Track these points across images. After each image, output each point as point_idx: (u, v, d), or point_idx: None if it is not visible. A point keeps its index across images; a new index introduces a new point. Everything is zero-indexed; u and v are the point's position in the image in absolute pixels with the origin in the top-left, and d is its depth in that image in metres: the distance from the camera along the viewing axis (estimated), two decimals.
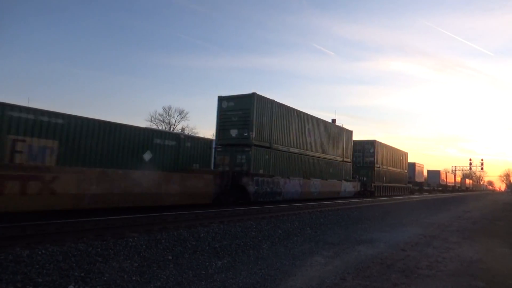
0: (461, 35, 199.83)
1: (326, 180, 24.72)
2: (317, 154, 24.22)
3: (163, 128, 67.92)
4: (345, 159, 28.11)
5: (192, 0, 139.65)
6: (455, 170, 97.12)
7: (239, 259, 6.80)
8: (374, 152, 33.50)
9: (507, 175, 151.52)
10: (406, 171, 43.83)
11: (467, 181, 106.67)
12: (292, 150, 21.47)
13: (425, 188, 59.75)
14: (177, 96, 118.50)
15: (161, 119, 72.73)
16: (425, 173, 67.53)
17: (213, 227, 9.47)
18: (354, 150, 32.33)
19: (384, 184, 35.41)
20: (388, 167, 36.92)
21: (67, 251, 5.98)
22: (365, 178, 32.80)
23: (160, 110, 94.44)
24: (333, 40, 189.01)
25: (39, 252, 5.75)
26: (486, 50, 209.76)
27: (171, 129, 70.24)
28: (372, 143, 33.94)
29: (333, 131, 26.62)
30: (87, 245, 6.44)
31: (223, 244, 7.77)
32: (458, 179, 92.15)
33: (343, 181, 27.12)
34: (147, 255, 6.40)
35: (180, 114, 74.27)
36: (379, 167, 34.30)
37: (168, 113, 72.78)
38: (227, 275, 5.71)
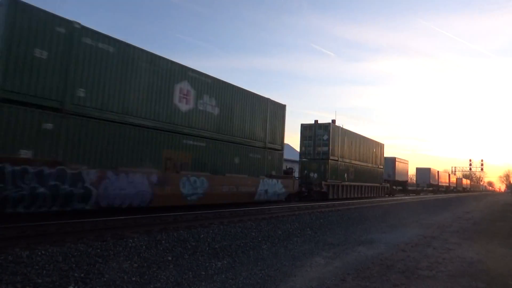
0: (460, 35, 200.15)
1: (224, 175, 15.32)
2: (203, 133, 14.51)
3: None
4: (270, 146, 18.51)
5: (192, 1, 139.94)
6: (455, 171, 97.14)
7: (239, 260, 6.80)
8: (328, 139, 24.45)
9: (507, 176, 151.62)
10: (382, 167, 34.39)
11: (464, 181, 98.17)
12: (137, 121, 11.95)
13: (410, 188, 50.86)
14: None
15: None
16: (413, 171, 61.85)
17: (213, 227, 9.47)
18: (303, 137, 25.36)
19: (346, 183, 26.46)
20: (353, 161, 27.85)
21: (67, 252, 5.97)
22: (315, 175, 24.17)
23: None
24: (333, 41, 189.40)
25: (39, 253, 5.75)
26: (486, 51, 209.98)
27: None
28: (326, 128, 24.72)
29: (243, 101, 16.94)
30: (87, 246, 6.44)
31: (223, 245, 7.77)
32: (454, 178, 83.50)
33: (263, 178, 17.54)
34: (147, 256, 6.40)
35: None
36: (336, 160, 25.25)
37: None
38: (227, 275, 5.71)
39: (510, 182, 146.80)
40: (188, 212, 12.50)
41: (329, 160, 24.45)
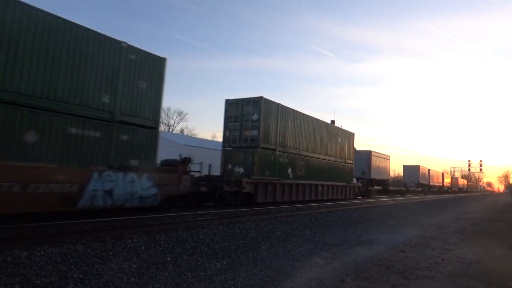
0: (459, 36, 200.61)
1: None
2: None
3: (162, 129, 68.27)
4: (128, 119, 11.52)
5: (190, 1, 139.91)
6: (453, 171, 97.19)
7: (238, 261, 6.79)
8: (259, 120, 17.40)
9: (506, 176, 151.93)
10: (351, 162, 27.18)
11: (461, 181, 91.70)
12: None
13: (393, 188, 42.65)
14: (176, 97, 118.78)
15: (160, 120, 72.85)
16: (399, 169, 56.97)
17: (212, 228, 9.47)
18: (228, 118, 18.26)
19: (289, 181, 19.20)
20: (303, 152, 20.83)
21: (65, 253, 5.96)
22: (241, 169, 17.44)
23: None
24: (332, 42, 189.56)
25: (38, 254, 5.74)
26: (484, 52, 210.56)
27: (170, 130, 70.55)
28: (256, 104, 17.62)
29: (48, 31, 9.64)
30: (86, 247, 6.43)
31: (222, 246, 7.77)
32: (448, 178, 75.66)
33: (103, 169, 10.57)
34: (146, 257, 6.39)
35: (179, 115, 74.52)
36: (273, 150, 18.19)
37: (167, 114, 72.95)
38: (226, 276, 5.71)
39: (508, 182, 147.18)
40: (187, 213, 12.49)
41: (259, 149, 17.29)
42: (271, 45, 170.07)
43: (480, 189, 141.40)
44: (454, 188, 78.05)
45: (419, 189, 53.24)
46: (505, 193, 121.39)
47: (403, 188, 46.87)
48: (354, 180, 28.90)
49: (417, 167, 54.72)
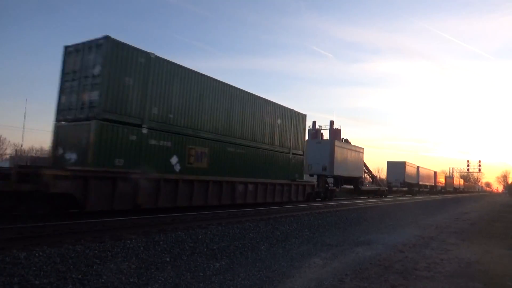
0: (459, 37, 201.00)
1: None
2: None
3: None
4: None
5: (189, 1, 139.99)
6: (452, 171, 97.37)
7: (237, 261, 6.79)
8: (102, 73, 10.66)
9: (505, 177, 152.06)
10: (300, 153, 20.60)
11: (457, 181, 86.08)
12: None
13: (367, 188, 34.84)
14: None
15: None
16: (382, 166, 50.81)
17: (211, 228, 9.46)
18: (66, 76, 11.75)
19: (171, 177, 12.51)
20: (204, 133, 14.17)
21: (64, 253, 5.95)
22: (74, 156, 10.72)
23: None
24: (331, 42, 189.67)
25: (37, 254, 5.73)
26: (484, 52, 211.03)
27: None
28: (98, 49, 10.85)
29: None
30: (84, 247, 6.42)
31: (221, 246, 7.76)
32: (442, 177, 69.73)
33: None
34: (145, 257, 6.39)
35: None
36: (137, 126, 11.64)
37: None
38: (225, 276, 5.70)
39: (507, 182, 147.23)
40: (187, 213, 12.48)
41: (99, 122, 10.61)
42: (270, 46, 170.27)
43: (478, 189, 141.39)
44: (448, 188, 72.55)
45: (405, 189, 47.11)
46: (504, 193, 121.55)
47: (383, 188, 39.37)
48: (315, 178, 23.91)
49: (403, 164, 47.84)
